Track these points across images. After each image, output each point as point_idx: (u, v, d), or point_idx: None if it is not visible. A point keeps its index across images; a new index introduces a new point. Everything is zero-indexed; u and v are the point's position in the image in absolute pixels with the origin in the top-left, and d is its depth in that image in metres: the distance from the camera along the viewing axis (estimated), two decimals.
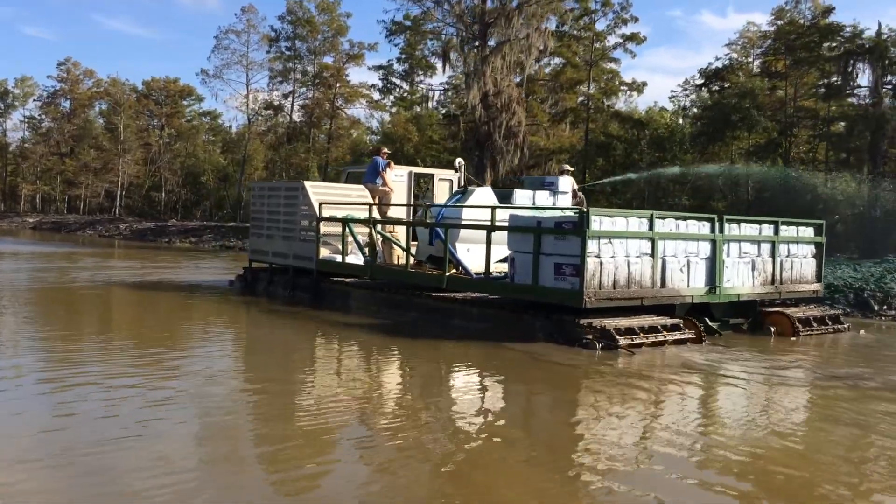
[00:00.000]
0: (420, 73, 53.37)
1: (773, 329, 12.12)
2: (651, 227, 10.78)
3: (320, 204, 14.62)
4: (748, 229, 12.22)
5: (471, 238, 12.91)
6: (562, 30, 36.20)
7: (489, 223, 12.63)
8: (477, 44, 31.38)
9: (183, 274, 21.40)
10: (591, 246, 10.15)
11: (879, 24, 26.42)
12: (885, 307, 14.57)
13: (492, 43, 31.23)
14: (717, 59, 37.20)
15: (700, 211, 29.45)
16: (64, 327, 11.59)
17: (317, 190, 15.24)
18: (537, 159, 36.56)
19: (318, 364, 9.67)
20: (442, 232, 12.51)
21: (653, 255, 10.80)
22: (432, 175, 17.22)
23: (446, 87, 41.22)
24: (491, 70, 30.15)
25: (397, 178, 16.27)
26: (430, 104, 50.25)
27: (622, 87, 38.23)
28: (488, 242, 11.64)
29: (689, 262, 11.26)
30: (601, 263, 10.27)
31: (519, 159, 30.94)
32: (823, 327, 12.50)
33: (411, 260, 13.70)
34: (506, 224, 11.62)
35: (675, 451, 5.88)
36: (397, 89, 54.28)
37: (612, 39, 37.08)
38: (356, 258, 14.34)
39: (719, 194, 36.64)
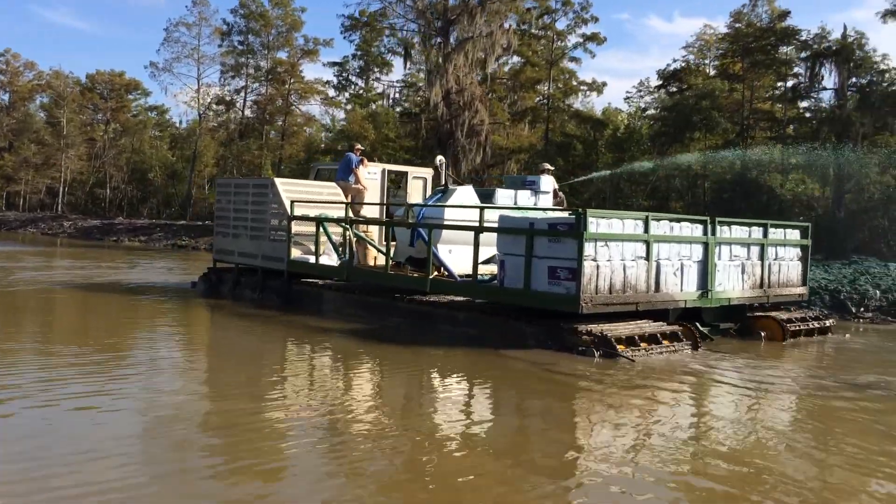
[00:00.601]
0: (376, 70, 52.75)
1: (763, 334, 11.90)
2: (647, 230, 10.45)
3: (292, 202, 13.97)
4: (738, 232, 11.98)
5: (453, 239, 12.43)
6: (522, 28, 35.92)
7: (474, 223, 12.22)
8: (439, 41, 30.89)
9: (138, 274, 20.44)
10: (588, 249, 9.76)
11: (845, 27, 26.85)
12: (861, 309, 14.53)
13: (453, 41, 30.78)
14: (675, 60, 37.06)
15: (658, 212, 29.49)
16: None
17: (287, 187, 14.58)
18: (497, 158, 36.28)
19: (289, 373, 9.03)
20: (425, 233, 11.98)
21: (648, 258, 10.46)
22: (406, 172, 16.70)
23: (403, 84, 40.53)
24: (453, 67, 29.68)
25: (370, 176, 15.71)
26: (387, 102, 49.65)
27: (582, 87, 38.14)
28: (476, 244, 11.16)
29: (682, 266, 10.95)
30: (598, 267, 9.88)
31: (481, 158, 30.54)
32: (811, 331, 12.35)
33: (383, 260, 13.20)
34: (493, 225, 11.19)
35: (690, 467, 5.49)
36: (353, 86, 53.55)
37: (572, 39, 36.96)
38: (329, 259, 13.74)
39: (676, 195, 36.87)
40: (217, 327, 12.55)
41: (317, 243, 13.57)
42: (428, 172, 17.06)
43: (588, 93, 38.44)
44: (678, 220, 11.10)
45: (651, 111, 37.92)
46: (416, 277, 12.04)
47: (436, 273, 12.03)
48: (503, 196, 13.75)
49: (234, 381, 8.26)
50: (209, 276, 16.16)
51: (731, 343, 11.52)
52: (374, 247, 13.43)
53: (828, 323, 12.87)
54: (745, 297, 12.01)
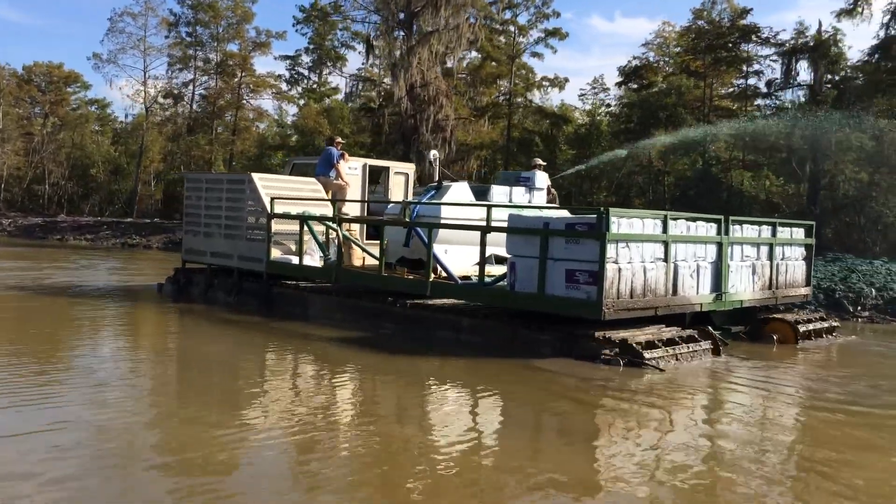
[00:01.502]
0: (329, 64, 51.54)
1: (775, 337, 11.48)
2: (665, 230, 9.89)
3: (272, 199, 13.08)
4: (749, 231, 11.53)
5: (449, 239, 11.71)
6: (484, 21, 35.30)
7: (474, 222, 11.55)
8: (402, 34, 30.06)
9: (94, 276, 19.18)
10: (610, 251, 9.15)
11: (820, 23, 26.85)
12: (859, 308, 14.28)
13: (417, 34, 29.98)
14: (635, 58, 36.88)
15: (622, 207, 29.14)
16: None
17: (266, 183, 13.66)
18: (458, 155, 35.62)
19: (269, 385, 8.20)
20: (423, 232, 11.23)
21: (666, 259, 9.91)
22: (387, 168, 15.92)
23: (363, 78, 39.55)
24: (417, 61, 28.89)
25: (351, 172, 14.91)
26: (341, 96, 48.54)
27: (544, 83, 37.69)
28: (482, 245, 10.47)
29: (698, 267, 10.43)
30: (619, 270, 9.28)
31: (446, 154, 29.82)
32: (819, 332, 12.01)
33: (370, 261, 12.46)
34: (495, 224, 10.53)
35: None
36: (305, 80, 52.25)
37: (534, 34, 36.48)
38: (311, 260, 12.90)
39: (638, 190, 36.72)
40: (188, 334, 11.57)
41: (300, 243, 12.72)
42: (410, 168, 16.34)
43: (550, 88, 37.96)
44: (694, 220, 10.57)
45: (612, 107, 37.63)
46: (415, 280, 11.29)
47: (433, 275, 11.31)
48: (498, 193, 13.11)
49: (205, 394, 7.49)
50: (177, 278, 15.13)
51: (744, 347, 11.08)
52: (360, 247, 12.63)
53: (833, 324, 12.55)
54: (756, 299, 11.57)
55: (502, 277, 10.71)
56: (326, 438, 6.03)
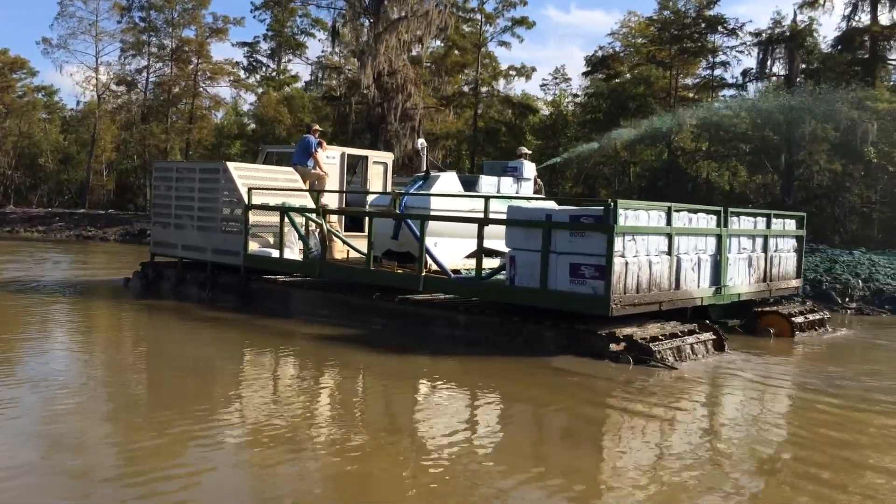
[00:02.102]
0: (289, 52, 50.53)
1: (771, 330, 11.28)
2: (669, 222, 9.57)
3: (249, 189, 12.46)
4: (746, 223, 11.29)
5: (439, 231, 11.27)
6: (451, 9, 34.75)
7: (463, 213, 11.16)
8: (369, 20, 29.38)
9: (50, 270, 18.27)
10: (617, 244, 8.79)
11: (795, 12, 26.82)
12: (846, 299, 14.21)
13: (385, 20, 29.32)
14: (601, 48, 36.73)
15: (588, 197, 28.97)
16: None
17: (242, 173, 13.04)
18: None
19: (245, 385, 7.71)
20: (415, 224, 10.76)
21: (669, 252, 9.59)
22: (366, 157, 15.39)
23: (325, 66, 38.74)
24: (385, 48, 28.26)
25: (329, 161, 14.36)
26: (302, 84, 47.64)
27: (511, 72, 37.32)
28: (480, 237, 10.03)
29: (699, 261, 10.15)
30: (626, 264, 8.93)
31: (413, 145, 29.25)
32: (813, 325, 11.86)
33: (352, 255, 12.00)
34: (489, 215, 10.11)
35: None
36: (264, 68, 51.15)
37: (501, 23, 36.05)
38: (290, 253, 12.34)
39: (604, 181, 36.64)
40: (159, 332, 10.88)
41: (281, 236, 12.15)
42: (388, 157, 15.83)
43: (517, 77, 37.60)
44: (695, 212, 10.27)
45: (579, 97, 37.41)
46: (406, 275, 10.82)
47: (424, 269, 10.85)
48: (486, 184, 12.69)
49: (177, 396, 6.98)
50: (145, 273, 14.40)
51: (741, 341, 10.82)
52: (343, 240, 12.11)
53: (823, 316, 12.41)
54: (752, 292, 11.35)
55: (497, 271, 10.31)
56: (308, 449, 5.55)
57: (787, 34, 25.39)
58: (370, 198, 14.47)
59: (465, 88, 40.08)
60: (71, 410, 6.28)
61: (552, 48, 78.63)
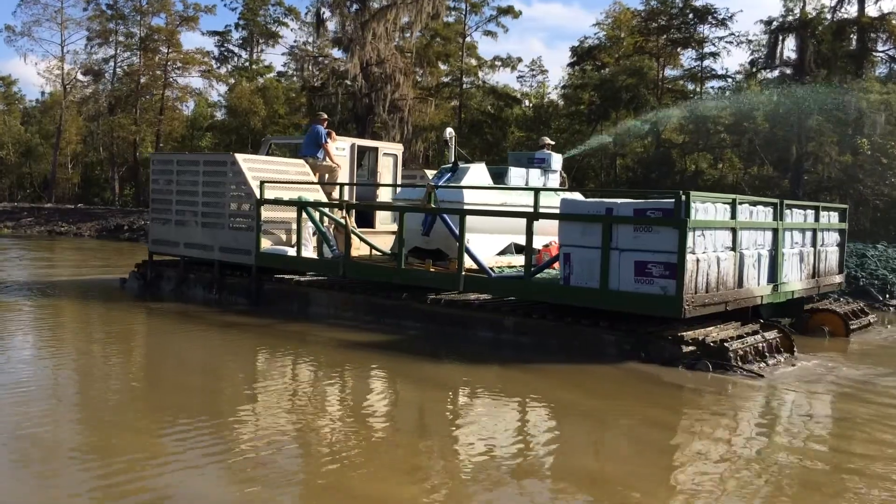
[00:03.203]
0: (261, 41, 49.24)
1: (826, 329, 10.69)
2: (733, 215, 8.90)
3: (261, 183, 11.56)
4: (798, 216, 10.68)
5: (472, 226, 10.46)
6: None
7: (500, 208, 10.38)
8: (357, 7, 28.38)
9: (34, 270, 17.11)
10: (689, 240, 8.10)
11: (804, 1, 26.33)
12: (887, 296, 13.72)
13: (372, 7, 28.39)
14: (587, 38, 36.13)
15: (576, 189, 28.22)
16: None
17: (251, 165, 12.12)
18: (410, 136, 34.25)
19: (262, 395, 6.89)
20: (452, 219, 9.97)
21: (734, 248, 8.93)
22: (376, 148, 14.54)
23: (307, 55, 37.60)
24: (372, 37, 27.32)
25: (338, 152, 13.49)
26: (275, 74, 46.36)
27: (496, 63, 36.55)
28: (529, 233, 9.27)
29: (759, 257, 9.51)
30: (697, 261, 8.25)
31: (403, 136, 28.43)
32: (865, 325, 11.31)
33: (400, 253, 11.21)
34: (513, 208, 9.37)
35: None
36: (236, 58, 49.80)
37: (486, 12, 35.26)
38: (305, 251, 11.48)
39: (592, 173, 36.07)
40: (168, 338, 9.82)
41: (298, 233, 11.28)
42: (398, 149, 15.01)
43: (502, 68, 36.85)
44: (754, 204, 9.62)
45: (566, 89, 36.69)
46: (443, 274, 10.02)
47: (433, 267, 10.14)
48: (516, 176, 11.96)
49: (191, 412, 6.15)
50: (143, 273, 13.40)
51: (796, 340, 10.21)
52: (361, 238, 11.27)
53: (871, 317, 11.87)
54: (803, 289, 10.75)
55: (541, 269, 9.59)
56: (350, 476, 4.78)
57: (795, 23, 24.91)
58: (382, 191, 13.70)
59: (446, 80, 39.27)
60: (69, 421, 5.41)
61: (513, 41, 78.21)
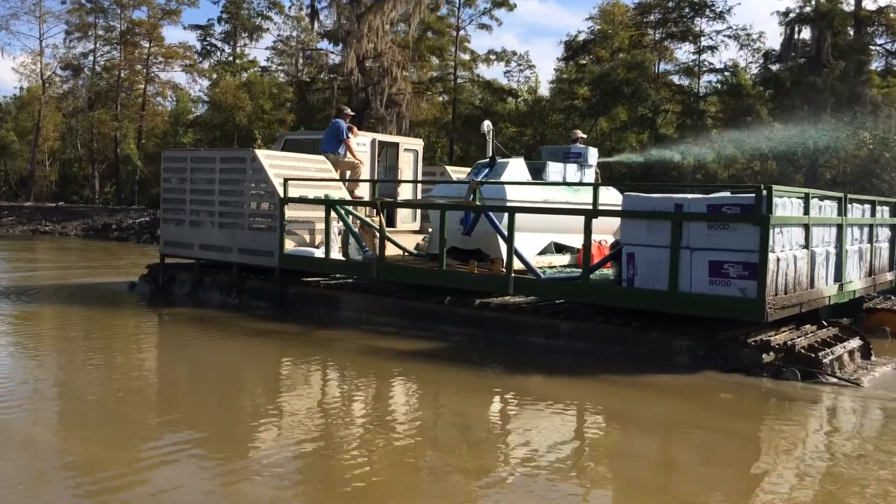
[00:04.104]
0: (245, 35, 48.18)
1: (888, 329, 10.19)
2: (806, 211, 8.36)
3: (285, 180, 10.86)
4: (857, 211, 10.17)
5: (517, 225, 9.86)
6: None
7: (549, 205, 9.79)
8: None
9: (30, 272, 16.22)
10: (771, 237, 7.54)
11: None
12: None
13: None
14: (580, 32, 35.66)
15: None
16: None
17: (272, 161, 11.41)
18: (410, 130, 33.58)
19: (296, 402, 6.26)
20: (497, 217, 9.34)
21: (806, 245, 8.39)
22: (396, 144, 13.88)
23: (301, 48, 36.74)
24: (368, 29, 26.57)
25: (359, 148, 12.81)
26: (258, 68, 45.39)
27: (490, 57, 35.92)
28: (587, 232, 8.66)
29: (827, 255, 8.98)
30: (777, 260, 7.69)
31: (399, 130, 27.72)
32: None
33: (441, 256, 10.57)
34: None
35: None
36: (219, 52, 48.70)
37: (481, 4, 34.61)
38: (321, 252, 10.84)
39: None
40: (184, 345, 9.04)
41: (327, 233, 10.59)
42: (419, 144, 14.37)
43: (496, 62, 36.25)
44: (821, 198, 9.09)
45: (563, 82, 36.11)
46: (490, 276, 9.39)
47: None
48: (554, 171, 11.36)
49: (222, 430, 5.43)
50: (154, 276, 12.64)
51: None
52: (392, 241, 10.62)
53: None
54: (863, 288, 10.25)
55: (593, 269, 8.99)
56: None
57: (811, 14, 24.52)
58: (404, 187, 13.07)
59: (434, 74, 38.56)
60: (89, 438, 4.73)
61: (487, 38, 77.80)
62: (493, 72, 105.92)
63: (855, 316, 10.44)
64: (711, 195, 8.14)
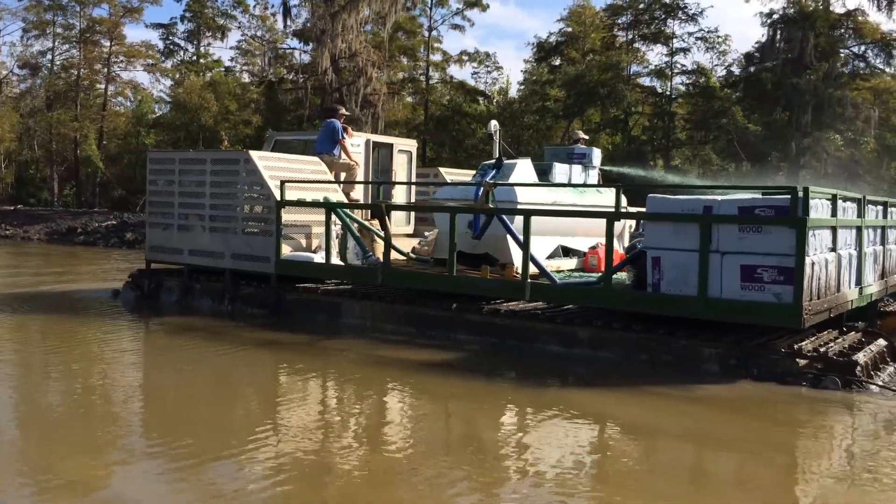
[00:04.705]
0: (208, 35, 47.26)
1: None
2: (833, 213, 8.14)
3: (282, 183, 10.37)
4: (872, 212, 10.01)
5: (520, 229, 9.51)
6: None
7: (556, 207, 9.46)
8: None
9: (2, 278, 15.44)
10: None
11: None
12: None
13: None
14: (551, 34, 35.59)
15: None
16: None
17: (267, 163, 10.91)
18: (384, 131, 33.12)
19: (296, 418, 5.86)
20: (511, 221, 8.99)
21: (834, 248, 8.18)
22: (391, 145, 13.45)
23: (243, 50, 36.03)
24: (342, 29, 26.06)
25: (354, 148, 12.38)
26: (223, 69, 44.52)
27: (464, 57, 35.62)
28: (609, 235, 8.34)
29: (850, 258, 8.79)
30: (812, 264, 7.45)
31: (374, 131, 27.24)
32: None
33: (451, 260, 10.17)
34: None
35: None
36: (182, 52, 47.69)
37: (453, 5, 34.29)
38: (319, 257, 10.39)
39: None
40: (180, 356, 8.53)
41: (327, 238, 10.13)
42: (412, 145, 13.97)
43: (468, 63, 35.94)
44: (844, 199, 8.89)
45: (537, 83, 35.92)
46: (503, 281, 9.02)
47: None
48: (560, 172, 11.04)
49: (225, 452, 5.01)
50: (139, 282, 12.03)
51: None
52: (394, 247, 10.20)
53: None
54: (878, 291, 10.10)
55: (613, 271, 8.68)
56: None
57: (796, 16, 24.60)
58: (398, 189, 12.66)
59: (404, 75, 38.11)
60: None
61: (454, 39, 77.66)
62: (463, 73, 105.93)
63: (869, 319, 10.29)
64: (741, 196, 7.88)
